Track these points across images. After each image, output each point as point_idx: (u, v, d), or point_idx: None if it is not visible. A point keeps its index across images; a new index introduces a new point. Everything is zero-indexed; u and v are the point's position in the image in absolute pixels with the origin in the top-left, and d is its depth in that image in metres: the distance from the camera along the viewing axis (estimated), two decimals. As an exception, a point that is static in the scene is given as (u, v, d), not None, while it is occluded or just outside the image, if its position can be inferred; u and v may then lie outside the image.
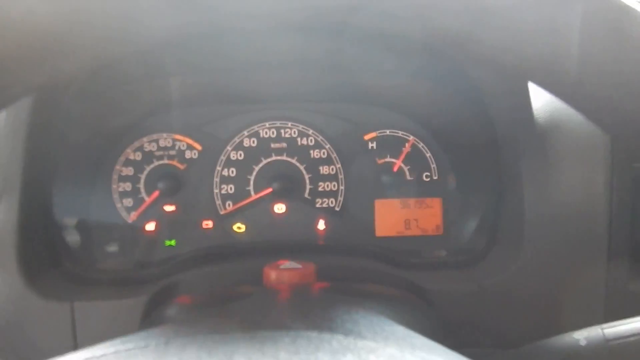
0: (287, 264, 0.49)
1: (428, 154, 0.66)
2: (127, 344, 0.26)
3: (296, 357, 0.23)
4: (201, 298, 0.49)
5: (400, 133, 0.66)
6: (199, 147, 0.64)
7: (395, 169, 0.65)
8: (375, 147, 0.66)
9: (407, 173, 0.66)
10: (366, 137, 0.66)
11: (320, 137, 0.65)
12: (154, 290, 0.56)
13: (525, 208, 0.55)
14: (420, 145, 0.66)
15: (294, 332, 0.27)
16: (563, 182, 0.55)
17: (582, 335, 0.40)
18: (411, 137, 0.66)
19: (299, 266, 0.48)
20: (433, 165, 0.66)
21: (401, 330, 0.34)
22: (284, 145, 0.65)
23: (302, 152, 0.65)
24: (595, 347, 0.39)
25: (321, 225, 0.65)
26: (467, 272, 0.61)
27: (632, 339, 0.38)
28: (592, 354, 0.39)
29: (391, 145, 0.66)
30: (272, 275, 0.48)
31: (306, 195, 0.65)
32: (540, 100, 0.55)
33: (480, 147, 0.62)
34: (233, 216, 0.64)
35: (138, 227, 0.63)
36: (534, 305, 0.54)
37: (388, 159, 0.66)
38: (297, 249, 0.64)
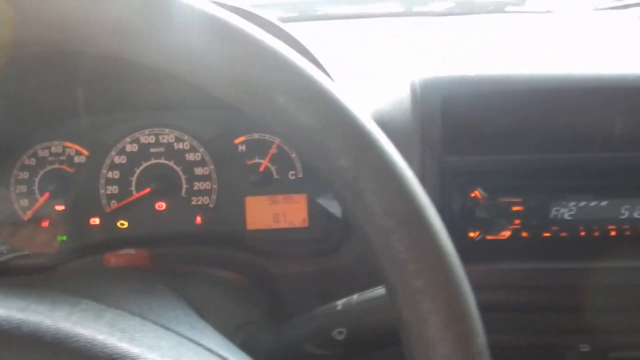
0: (124, 250, 0.57)
1: (293, 155, 0.73)
2: None
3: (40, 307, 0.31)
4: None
5: (267, 136, 0.73)
6: (86, 152, 0.73)
7: (262, 168, 0.73)
8: (244, 150, 0.73)
9: (274, 172, 0.73)
10: (236, 141, 0.73)
11: (195, 141, 0.73)
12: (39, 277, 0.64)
13: None
14: (286, 147, 0.73)
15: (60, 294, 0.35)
16: None
17: (341, 302, 0.47)
18: (277, 140, 0.73)
19: (134, 252, 0.56)
20: (298, 165, 0.73)
21: (159, 303, 0.41)
22: (162, 149, 0.73)
23: (178, 156, 0.73)
24: (347, 310, 0.46)
25: (198, 220, 0.73)
26: (322, 259, 0.68)
27: (372, 302, 0.45)
28: (343, 315, 0.46)
29: (259, 148, 0.73)
30: (111, 259, 0.56)
31: (183, 194, 0.73)
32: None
33: None
34: (118, 214, 0.73)
35: (33, 224, 0.72)
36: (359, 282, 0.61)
37: (256, 160, 0.73)
38: (175, 241, 0.72)
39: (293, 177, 0.73)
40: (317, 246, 0.71)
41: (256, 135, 0.73)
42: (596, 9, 1.06)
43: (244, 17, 0.30)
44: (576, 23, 0.97)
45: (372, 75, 0.73)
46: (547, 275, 0.62)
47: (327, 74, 0.63)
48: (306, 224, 0.73)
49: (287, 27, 0.63)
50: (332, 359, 0.47)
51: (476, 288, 0.66)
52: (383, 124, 0.65)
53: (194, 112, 0.73)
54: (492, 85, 0.62)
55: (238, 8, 0.62)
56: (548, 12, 1.07)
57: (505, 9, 1.09)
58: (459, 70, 0.64)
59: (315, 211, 0.73)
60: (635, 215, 0.61)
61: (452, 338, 0.28)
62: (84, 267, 0.62)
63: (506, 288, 0.63)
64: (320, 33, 0.96)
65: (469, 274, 0.64)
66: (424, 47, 0.82)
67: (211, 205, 0.73)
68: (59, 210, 0.72)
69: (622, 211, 0.62)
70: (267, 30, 0.31)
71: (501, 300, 0.63)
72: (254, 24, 0.30)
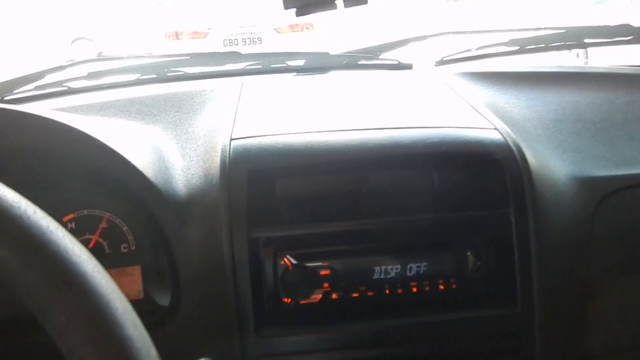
0: None
1: (125, 228, 0.74)
2: None
3: None
4: None
5: (96, 212, 0.74)
6: None
7: (92, 244, 0.73)
8: (74, 227, 0.73)
9: (106, 247, 0.74)
10: (65, 219, 0.73)
11: None
12: None
13: (178, 265, 0.64)
14: (117, 220, 0.74)
15: None
16: (196, 241, 0.64)
17: None
18: (107, 214, 0.74)
19: None
20: (130, 237, 0.74)
21: None
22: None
23: None
24: None
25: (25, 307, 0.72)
26: (154, 330, 0.69)
27: None
28: None
29: (89, 224, 0.74)
30: None
31: (9, 278, 0.72)
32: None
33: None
34: None
35: None
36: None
37: (87, 236, 0.73)
38: None
39: (126, 250, 0.74)
40: (151, 318, 0.72)
41: (85, 212, 0.74)
42: (440, 63, 1.15)
43: None
44: (416, 78, 1.04)
45: (195, 144, 0.76)
46: (358, 334, 0.66)
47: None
48: (141, 296, 0.74)
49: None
50: None
51: (296, 352, 0.69)
52: (194, 199, 0.68)
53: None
54: (296, 157, 0.66)
55: None
56: (398, 64, 1.14)
57: (359, 63, 1.16)
58: (268, 141, 0.68)
59: (149, 282, 0.74)
60: (430, 272, 0.66)
61: None
62: None
63: (323, 350, 0.66)
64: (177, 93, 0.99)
65: (287, 341, 0.67)
66: (258, 110, 0.85)
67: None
68: None
69: (422, 269, 0.66)
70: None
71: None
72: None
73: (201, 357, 0.52)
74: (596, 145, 0.80)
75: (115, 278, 0.75)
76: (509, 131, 0.71)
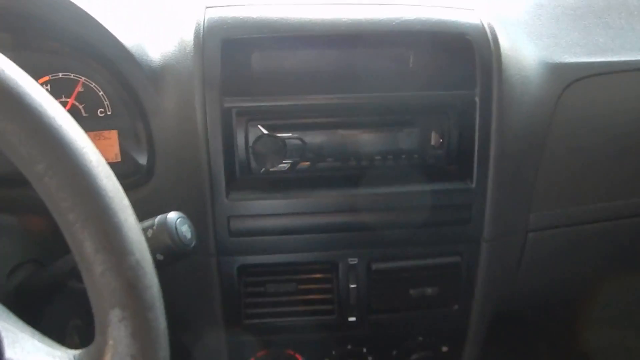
0: None
1: (100, 93, 0.75)
2: None
3: None
4: None
5: (72, 75, 0.74)
6: None
7: (68, 107, 0.74)
8: (49, 89, 0.74)
9: (82, 110, 0.75)
10: (40, 81, 0.74)
11: None
12: None
13: (153, 131, 0.67)
14: (93, 85, 0.75)
15: None
16: (171, 108, 0.66)
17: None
18: (82, 78, 0.74)
19: None
20: (106, 102, 0.75)
21: None
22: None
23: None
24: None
25: None
26: (132, 192, 0.73)
27: None
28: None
29: (65, 87, 0.74)
30: None
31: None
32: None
33: None
34: None
35: None
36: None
37: (62, 99, 0.75)
38: None
39: (102, 115, 0.76)
40: (128, 180, 0.76)
41: (60, 75, 0.74)
42: None
43: None
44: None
45: (171, 11, 0.75)
46: (322, 200, 0.70)
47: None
48: (119, 159, 0.77)
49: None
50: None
51: (267, 215, 0.73)
52: (168, 67, 0.69)
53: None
54: (270, 29, 0.66)
55: None
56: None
57: None
58: (243, 11, 0.68)
59: (126, 146, 0.77)
60: (395, 146, 0.70)
61: (102, 258, 0.34)
62: None
63: (289, 214, 0.71)
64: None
65: (256, 204, 0.71)
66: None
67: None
68: None
69: (387, 143, 0.70)
70: None
71: (288, 225, 0.72)
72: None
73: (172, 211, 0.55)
74: (572, 32, 0.81)
75: (93, 140, 0.77)
76: (487, 13, 0.71)
